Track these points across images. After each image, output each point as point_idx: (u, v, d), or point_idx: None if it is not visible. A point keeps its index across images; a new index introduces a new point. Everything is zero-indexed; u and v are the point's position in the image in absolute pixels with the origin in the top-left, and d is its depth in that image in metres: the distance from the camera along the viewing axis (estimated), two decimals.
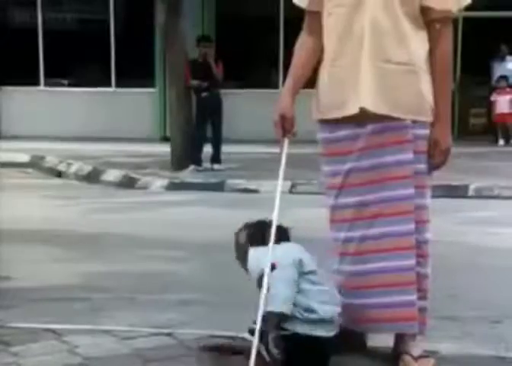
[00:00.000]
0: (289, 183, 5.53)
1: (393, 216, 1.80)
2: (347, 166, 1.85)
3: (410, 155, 1.78)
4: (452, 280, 2.98)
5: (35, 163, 6.81)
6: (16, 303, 2.66)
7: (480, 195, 5.15)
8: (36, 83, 8.96)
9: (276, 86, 8.66)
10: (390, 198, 1.80)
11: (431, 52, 1.79)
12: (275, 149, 6.71)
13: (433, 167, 1.88)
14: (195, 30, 7.77)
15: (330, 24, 1.83)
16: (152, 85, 8.64)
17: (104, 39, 8.77)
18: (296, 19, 8.10)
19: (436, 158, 1.83)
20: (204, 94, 6.24)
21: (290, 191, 5.47)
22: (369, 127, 1.79)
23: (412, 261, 1.84)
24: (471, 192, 5.21)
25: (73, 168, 6.41)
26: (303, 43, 1.92)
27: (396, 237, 1.82)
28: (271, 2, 8.51)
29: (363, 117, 1.78)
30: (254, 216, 4.87)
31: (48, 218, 4.38)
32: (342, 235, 1.94)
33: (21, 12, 9.05)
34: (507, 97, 8.11)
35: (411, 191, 1.81)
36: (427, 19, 1.76)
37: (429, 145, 1.82)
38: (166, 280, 3.01)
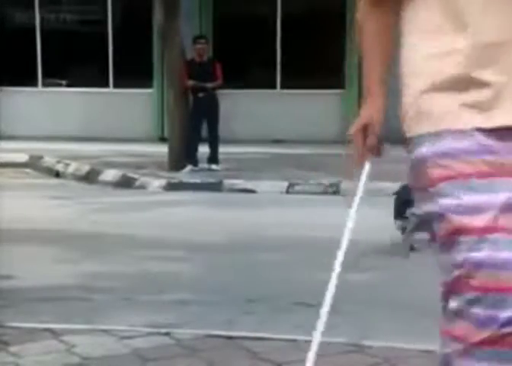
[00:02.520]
0: (286, 183, 5.55)
1: None
2: (504, 196, 1.03)
3: None
4: None
5: (33, 163, 6.81)
6: (14, 302, 2.67)
7: None
8: (34, 84, 8.96)
9: (273, 86, 8.67)
10: None
11: None
12: (272, 150, 6.70)
13: None
14: (193, 31, 7.77)
15: None
16: (149, 86, 8.64)
17: (102, 39, 8.76)
18: (293, 19, 8.16)
19: None
20: (201, 94, 6.26)
21: (287, 192, 5.48)
22: None
23: None
24: None
25: (71, 168, 6.41)
26: (379, 25, 1.19)
27: None
28: (269, 3, 8.52)
29: None
30: (252, 216, 4.89)
31: (46, 218, 4.38)
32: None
33: (19, 13, 9.03)
34: None
35: None
36: None
37: None
38: (164, 280, 3.02)
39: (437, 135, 1.07)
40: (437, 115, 1.08)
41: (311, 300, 2.72)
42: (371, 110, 1.28)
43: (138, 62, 8.60)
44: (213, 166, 6.29)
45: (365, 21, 1.23)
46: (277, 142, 8.21)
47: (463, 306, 1.05)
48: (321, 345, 2.09)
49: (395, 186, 5.54)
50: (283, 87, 8.64)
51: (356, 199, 1.29)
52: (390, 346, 2.12)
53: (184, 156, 6.28)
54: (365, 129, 1.28)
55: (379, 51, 1.23)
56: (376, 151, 1.32)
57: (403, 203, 3.56)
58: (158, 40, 7.46)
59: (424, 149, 1.10)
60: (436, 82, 1.06)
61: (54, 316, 2.48)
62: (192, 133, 6.25)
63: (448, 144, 1.06)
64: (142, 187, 5.73)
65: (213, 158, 6.34)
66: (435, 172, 1.07)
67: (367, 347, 2.11)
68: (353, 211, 1.33)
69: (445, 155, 1.06)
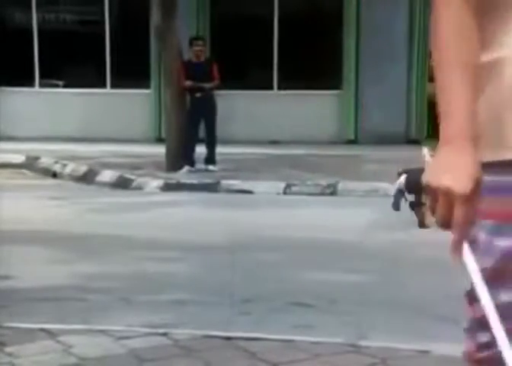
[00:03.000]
0: (283, 184, 5.56)
1: None
2: None
3: None
4: (447, 280, 3.01)
5: (30, 164, 6.79)
6: (11, 303, 2.66)
7: None
8: (31, 84, 8.94)
9: (270, 87, 8.68)
10: None
11: None
12: (269, 150, 6.71)
13: None
14: (190, 32, 7.77)
15: None
16: (147, 86, 8.64)
17: (100, 40, 8.75)
18: (291, 20, 8.17)
19: None
20: (198, 94, 6.26)
21: (284, 192, 5.49)
22: None
23: None
24: None
25: (68, 169, 6.40)
26: (462, 24, 0.86)
27: None
28: (265, 3, 8.52)
29: None
30: (249, 216, 4.89)
31: (43, 219, 4.38)
32: None
33: (17, 13, 9.01)
34: None
35: None
36: None
37: None
38: (161, 280, 3.02)
39: None
40: None
41: (308, 300, 2.73)
42: (475, 160, 0.83)
43: (135, 63, 8.60)
44: (210, 167, 6.29)
45: (446, 21, 0.85)
46: (274, 142, 8.21)
47: None
48: (319, 345, 2.10)
49: (392, 186, 5.56)
50: (280, 88, 8.65)
51: (478, 288, 0.87)
52: (387, 346, 2.12)
53: (181, 157, 6.28)
54: (475, 192, 0.82)
55: (464, 65, 0.83)
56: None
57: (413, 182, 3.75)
58: (155, 40, 7.45)
59: None
60: None
61: (51, 316, 2.48)
62: (189, 134, 6.25)
63: None
64: (140, 187, 5.73)
65: (210, 158, 6.34)
66: None
67: (364, 347, 2.12)
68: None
69: None
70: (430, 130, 8.43)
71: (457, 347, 2.30)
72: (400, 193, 4.00)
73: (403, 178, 3.98)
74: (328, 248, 3.64)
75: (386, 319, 2.53)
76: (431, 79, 8.51)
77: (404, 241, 3.80)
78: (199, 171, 6.21)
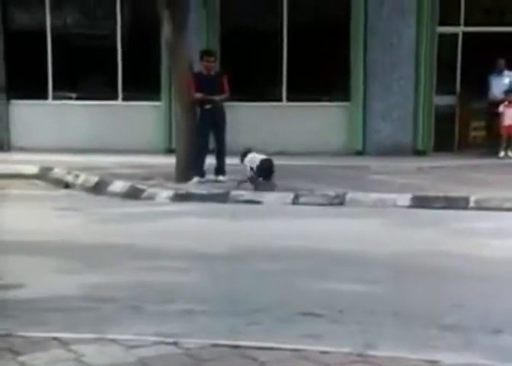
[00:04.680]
0: (291, 194, 5.58)
1: None
2: None
3: None
4: (455, 290, 3.00)
5: (43, 175, 6.86)
6: (22, 312, 2.69)
7: (481, 207, 5.16)
8: (44, 97, 9.09)
9: (279, 99, 8.75)
10: None
11: None
12: (277, 161, 6.78)
13: None
14: (200, 44, 7.88)
15: None
16: (157, 99, 8.74)
17: (112, 53, 8.89)
18: (299, 33, 8.28)
19: None
20: (208, 106, 6.32)
21: (293, 203, 5.51)
22: None
23: None
24: (471, 204, 5.23)
25: (80, 180, 6.46)
26: None
27: None
28: (274, 17, 8.62)
29: None
30: (258, 226, 4.90)
31: (55, 229, 4.42)
32: None
33: (30, 27, 9.20)
34: None
35: None
36: None
37: None
38: (170, 289, 3.04)
39: None
40: None
41: (316, 309, 2.74)
42: None
43: (146, 76, 8.71)
44: (220, 177, 6.32)
45: None
46: (283, 153, 8.25)
47: None
48: (327, 354, 2.10)
49: (399, 197, 5.57)
50: (289, 100, 8.71)
51: None
52: (395, 356, 2.13)
53: (191, 168, 6.33)
54: None
55: None
56: None
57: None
58: (166, 53, 7.56)
59: None
60: None
61: (62, 325, 2.50)
62: (199, 145, 6.30)
63: None
64: (150, 198, 5.77)
65: (220, 169, 6.38)
66: None
67: (372, 357, 2.12)
68: None
69: None
70: (437, 142, 8.46)
71: (465, 356, 2.30)
72: (255, 175, 5.66)
73: (256, 165, 5.65)
74: (335, 258, 3.65)
75: (394, 329, 2.53)
76: (438, 92, 8.56)
77: (411, 251, 3.80)
78: (208, 181, 6.25)
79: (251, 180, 5.65)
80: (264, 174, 5.63)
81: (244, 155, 5.91)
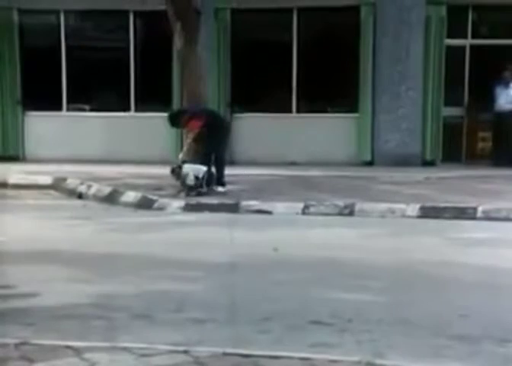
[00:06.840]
0: (301, 204, 5.63)
1: None
2: None
3: None
4: (462, 300, 3.02)
5: (57, 185, 6.94)
6: (36, 320, 2.72)
7: (489, 217, 5.17)
8: (59, 108, 9.26)
9: (289, 110, 8.83)
10: None
11: None
12: (287, 172, 6.87)
13: None
14: (211, 57, 8.01)
15: None
16: (169, 110, 8.86)
17: (124, 66, 9.04)
18: (309, 45, 8.43)
19: None
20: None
21: (303, 213, 5.55)
22: None
23: None
24: (480, 214, 5.25)
25: (93, 190, 6.54)
26: None
27: None
28: (285, 30, 8.74)
29: None
30: (268, 236, 4.95)
31: (69, 238, 4.49)
32: None
33: (45, 40, 9.40)
34: None
35: None
36: None
37: None
38: (182, 299, 3.07)
39: None
40: None
41: (326, 318, 2.78)
42: None
43: (158, 87, 8.85)
44: (220, 188, 6.32)
45: None
46: (293, 164, 8.32)
47: None
48: (336, 363, 2.14)
49: (408, 207, 5.61)
50: (299, 111, 8.80)
51: None
52: (403, 365, 2.16)
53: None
54: None
55: None
56: None
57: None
58: (177, 65, 7.68)
59: None
60: None
61: (76, 333, 2.53)
62: (204, 156, 6.34)
63: None
64: (162, 208, 5.83)
65: (219, 180, 6.34)
66: None
67: (380, 365, 2.16)
68: None
69: None
70: (445, 152, 8.47)
71: None
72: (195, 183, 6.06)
73: (192, 175, 6.05)
74: (345, 267, 3.69)
75: (402, 338, 2.55)
76: (446, 103, 8.59)
77: (420, 261, 3.82)
78: (210, 192, 6.22)
79: (195, 187, 6.01)
80: (208, 182, 6.08)
81: (179, 167, 6.13)
